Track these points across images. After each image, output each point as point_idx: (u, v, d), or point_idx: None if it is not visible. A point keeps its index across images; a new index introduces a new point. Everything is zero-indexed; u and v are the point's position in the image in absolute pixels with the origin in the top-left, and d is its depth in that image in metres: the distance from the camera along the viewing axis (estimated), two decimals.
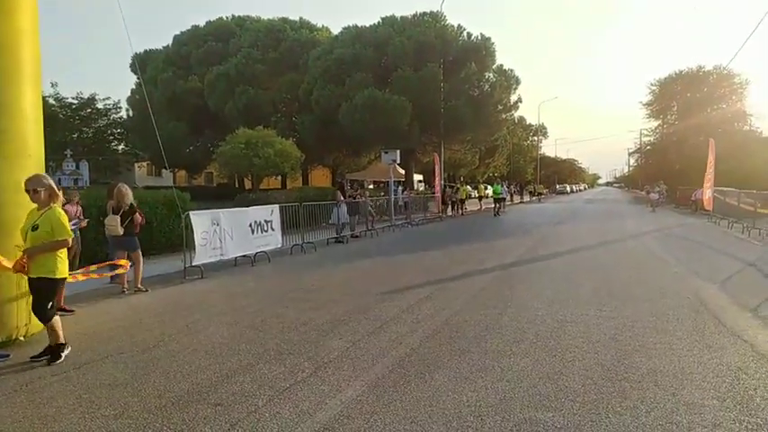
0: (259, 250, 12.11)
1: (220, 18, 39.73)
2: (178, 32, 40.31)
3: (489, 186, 47.61)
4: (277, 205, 13.43)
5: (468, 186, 33.44)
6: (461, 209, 30.06)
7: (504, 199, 28.61)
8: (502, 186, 30.02)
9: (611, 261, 11.36)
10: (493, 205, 28.89)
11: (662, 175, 38.97)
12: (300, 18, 38.80)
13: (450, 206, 29.04)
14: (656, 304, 7.17)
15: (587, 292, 8.03)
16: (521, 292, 8.18)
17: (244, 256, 11.58)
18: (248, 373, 4.70)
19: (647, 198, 36.45)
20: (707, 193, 23.58)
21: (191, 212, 10.34)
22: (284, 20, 38.05)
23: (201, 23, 39.95)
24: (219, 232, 10.64)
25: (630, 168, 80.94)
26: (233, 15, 40.29)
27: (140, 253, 8.95)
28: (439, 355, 5.13)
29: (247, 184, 36.74)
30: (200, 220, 10.27)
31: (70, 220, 9.19)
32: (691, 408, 3.85)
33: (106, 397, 4.26)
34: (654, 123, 45.41)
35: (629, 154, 65.14)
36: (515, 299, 7.66)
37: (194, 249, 10.12)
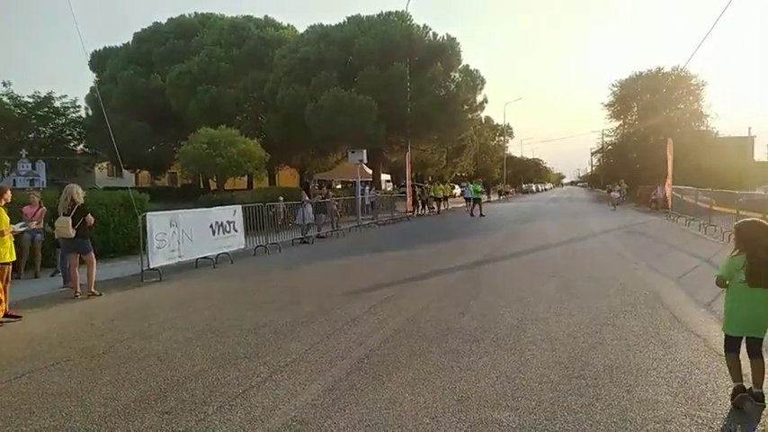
0: (221, 252, 11.85)
1: (183, 15, 38.97)
2: (139, 30, 39.35)
3: (457, 186, 47.93)
4: (240, 206, 13.18)
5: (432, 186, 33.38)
6: (439, 207, 30.16)
7: (479, 199, 27.76)
8: (480, 185, 29.24)
9: (574, 258, 11.52)
10: (470, 204, 28.17)
11: (623, 174, 39.89)
12: (265, 16, 38.38)
13: (420, 205, 29.14)
14: (614, 301, 7.28)
15: (549, 290, 8.10)
16: (484, 290, 8.20)
17: (205, 257, 11.31)
18: (200, 379, 4.54)
19: (608, 197, 37.28)
20: (667, 191, 24.24)
21: (147, 213, 10.04)
22: (249, 18, 37.53)
23: (163, 21, 39.08)
24: (178, 233, 10.37)
25: (594, 168, 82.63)
26: (196, 13, 39.55)
27: (93, 256, 8.63)
28: (398, 356, 5.07)
29: (213, 185, 36.12)
30: (157, 221, 9.99)
31: (26, 222, 8.87)
32: (644, 404, 3.88)
33: (47, 407, 4.04)
34: (615, 124, 46.50)
35: (592, 154, 66.53)
36: (478, 298, 7.66)
37: (152, 251, 9.83)
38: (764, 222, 4.06)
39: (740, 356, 3.98)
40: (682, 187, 23.53)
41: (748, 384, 3.91)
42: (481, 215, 25.76)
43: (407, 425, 3.62)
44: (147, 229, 9.77)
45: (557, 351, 5.14)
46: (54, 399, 4.21)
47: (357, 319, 6.53)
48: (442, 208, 30.65)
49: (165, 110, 34.96)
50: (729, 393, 3.95)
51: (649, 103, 41.10)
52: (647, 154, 38.50)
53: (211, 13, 39.37)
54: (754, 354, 3.92)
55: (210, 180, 34.51)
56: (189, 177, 38.41)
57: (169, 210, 11.34)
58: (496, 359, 4.94)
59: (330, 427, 3.61)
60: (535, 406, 3.88)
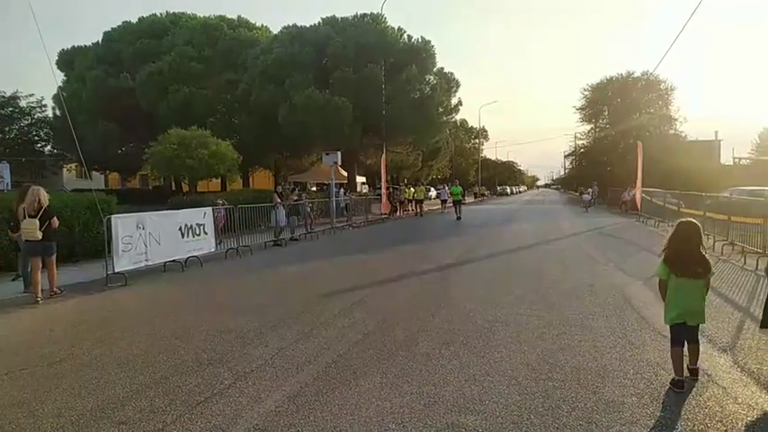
0: (190, 255, 11.62)
1: (153, 14, 38.25)
2: (108, 29, 38.53)
3: (432, 188, 48.06)
4: (210, 208, 12.95)
5: (413, 188, 33.12)
6: (418, 210, 30.04)
7: (460, 201, 27.34)
8: (460, 187, 28.71)
9: (545, 260, 11.59)
10: (452, 207, 27.36)
11: (595, 176, 40.45)
12: (239, 16, 37.90)
13: (396, 208, 29.09)
14: (583, 302, 7.32)
15: (520, 292, 8.11)
16: (455, 293, 8.18)
17: (173, 261, 11.07)
18: (161, 387, 4.40)
19: (580, 199, 37.79)
20: (637, 193, 24.68)
21: (113, 216, 9.78)
22: (221, 18, 37.04)
23: (133, 20, 38.32)
24: (145, 236, 10.11)
25: (566, 171, 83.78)
26: (167, 12, 38.84)
27: (54, 258, 8.47)
28: (366, 361, 4.99)
29: (185, 188, 35.51)
30: (123, 224, 9.73)
31: None
32: (610, 406, 3.88)
33: None
34: (587, 127, 47.12)
35: (565, 157, 67.45)
36: (449, 300, 7.64)
37: (117, 255, 9.57)
38: (696, 223, 4.50)
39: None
40: (651, 190, 23.96)
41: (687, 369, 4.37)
42: (459, 218, 25.59)
43: (373, 431, 3.55)
44: (113, 232, 9.51)
45: (525, 353, 5.13)
46: (4, 410, 4.03)
47: (327, 322, 6.44)
48: (417, 210, 30.54)
49: (135, 110, 34.26)
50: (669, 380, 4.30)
51: (620, 107, 41.82)
52: (618, 157, 39.15)
53: (183, 13, 38.72)
54: (692, 340, 4.40)
55: (182, 182, 33.96)
56: (160, 179, 37.75)
57: (138, 212, 11.07)
58: (465, 362, 4.90)
59: None
60: (502, 409, 3.85)
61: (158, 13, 38.50)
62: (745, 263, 10.52)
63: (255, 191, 24.84)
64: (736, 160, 41.21)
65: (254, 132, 31.03)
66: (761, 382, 4.31)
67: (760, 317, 4.81)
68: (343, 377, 4.57)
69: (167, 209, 13.85)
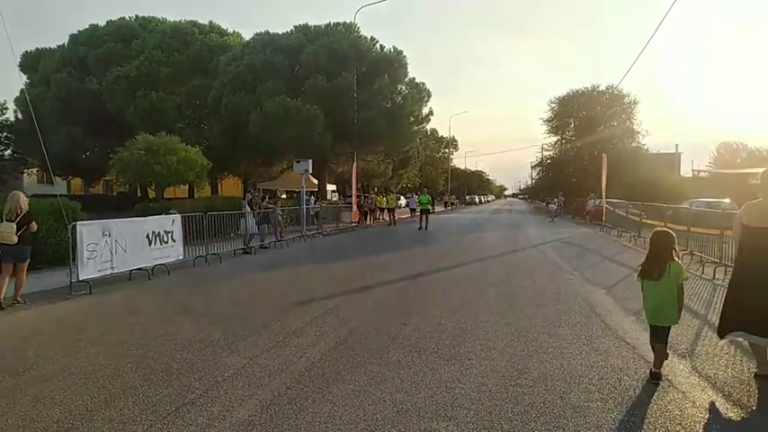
0: (158, 263, 11.43)
1: (122, 18, 37.51)
2: (75, 31, 37.64)
3: (402, 197, 48.26)
4: (178, 215, 12.77)
5: (385, 197, 32.76)
6: (392, 218, 29.90)
7: (428, 211, 26.30)
8: (429, 197, 27.57)
9: (513, 269, 11.81)
10: (419, 216, 26.61)
11: (561, 187, 41.34)
12: (210, 22, 37.50)
13: (367, 216, 29.08)
14: (550, 310, 7.50)
15: (489, 300, 8.26)
16: (426, 301, 8.27)
17: (140, 269, 10.87)
18: (130, 397, 4.33)
19: (546, 209, 38.51)
20: (603, 203, 25.35)
21: (78, 223, 9.57)
22: (192, 23, 36.60)
23: (102, 23, 37.53)
24: (110, 244, 9.92)
25: (533, 181, 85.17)
26: (136, 16, 38.15)
27: (26, 264, 8.35)
28: (339, 369, 5.02)
29: (152, 194, 34.80)
30: (88, 231, 9.52)
31: None
32: (577, 410, 4.00)
33: None
34: (554, 139, 48.19)
35: (532, 167, 68.61)
36: (420, 309, 7.71)
37: (81, 263, 9.35)
38: (668, 231, 4.89)
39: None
40: (614, 200, 24.66)
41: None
42: (426, 228, 24.97)
43: None
44: (78, 239, 9.31)
45: (495, 360, 5.24)
46: None
47: (298, 331, 6.44)
48: (390, 219, 30.38)
49: (100, 115, 33.49)
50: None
51: (585, 120, 42.99)
52: (583, 168, 40.18)
53: (153, 17, 38.12)
54: (659, 340, 4.67)
55: (149, 188, 33.26)
56: (125, 185, 36.93)
57: (102, 219, 10.85)
58: (436, 369, 4.97)
59: None
60: (473, 415, 3.93)
61: (127, 17, 37.79)
62: (703, 272, 10.92)
63: (225, 198, 24.59)
64: (695, 173, 42.73)
65: (223, 139, 30.71)
66: (717, 387, 4.51)
67: (717, 324, 5.08)
68: (316, 385, 4.58)
69: (134, 216, 13.59)
